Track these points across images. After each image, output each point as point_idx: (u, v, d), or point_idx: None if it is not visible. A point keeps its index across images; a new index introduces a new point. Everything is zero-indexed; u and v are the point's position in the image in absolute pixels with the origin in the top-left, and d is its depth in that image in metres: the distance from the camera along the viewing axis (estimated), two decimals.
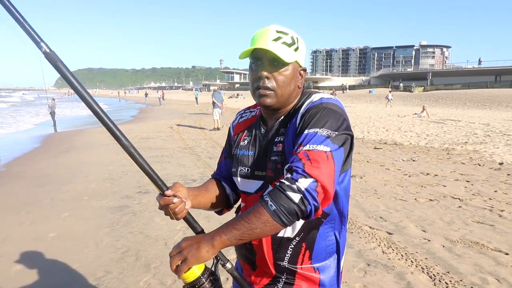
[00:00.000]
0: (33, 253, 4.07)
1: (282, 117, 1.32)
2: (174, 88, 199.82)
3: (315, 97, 1.26)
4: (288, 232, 1.26)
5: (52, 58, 1.04)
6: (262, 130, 1.37)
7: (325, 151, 1.09)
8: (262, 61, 1.25)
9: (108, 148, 10.98)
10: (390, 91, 41.67)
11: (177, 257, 1.08)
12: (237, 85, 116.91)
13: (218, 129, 15.68)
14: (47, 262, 3.90)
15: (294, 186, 1.04)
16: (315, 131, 1.13)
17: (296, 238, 1.27)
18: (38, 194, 6.45)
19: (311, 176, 1.04)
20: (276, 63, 1.24)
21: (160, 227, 4.73)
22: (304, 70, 1.33)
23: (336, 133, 1.14)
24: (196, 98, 42.01)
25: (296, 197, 1.03)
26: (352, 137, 1.21)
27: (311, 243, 1.28)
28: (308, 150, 1.09)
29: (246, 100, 47.85)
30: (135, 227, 4.77)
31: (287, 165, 1.11)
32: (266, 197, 1.06)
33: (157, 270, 3.62)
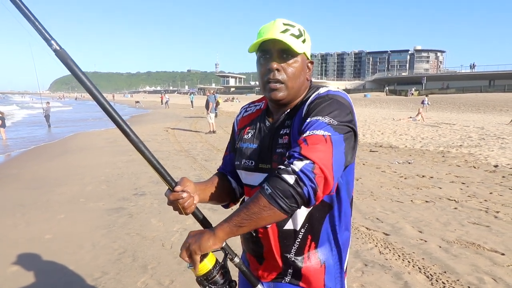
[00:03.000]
0: (29, 255, 4.04)
1: (289, 109, 1.32)
2: (169, 91, 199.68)
3: (322, 90, 1.26)
4: (293, 224, 1.27)
5: (62, 56, 1.03)
6: (267, 123, 1.37)
7: (323, 135, 1.08)
8: (270, 53, 1.25)
9: (104, 151, 10.92)
10: (426, 95, 39.77)
11: (183, 249, 1.15)
12: (232, 89, 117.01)
13: (213, 132, 15.68)
14: (44, 263, 3.87)
15: (289, 169, 1.03)
16: (317, 118, 1.13)
17: (302, 230, 1.28)
18: (33, 196, 6.41)
19: (307, 158, 1.02)
20: (285, 54, 1.24)
21: (156, 228, 4.71)
22: (312, 62, 1.34)
23: (338, 122, 1.12)
24: (192, 102, 41.99)
25: (290, 179, 1.01)
26: (355, 132, 1.19)
27: (317, 235, 1.28)
28: (307, 135, 1.09)
29: (242, 104, 47.82)
30: (131, 228, 4.75)
31: (287, 153, 1.11)
32: (264, 184, 1.07)
33: (155, 270, 3.61)
